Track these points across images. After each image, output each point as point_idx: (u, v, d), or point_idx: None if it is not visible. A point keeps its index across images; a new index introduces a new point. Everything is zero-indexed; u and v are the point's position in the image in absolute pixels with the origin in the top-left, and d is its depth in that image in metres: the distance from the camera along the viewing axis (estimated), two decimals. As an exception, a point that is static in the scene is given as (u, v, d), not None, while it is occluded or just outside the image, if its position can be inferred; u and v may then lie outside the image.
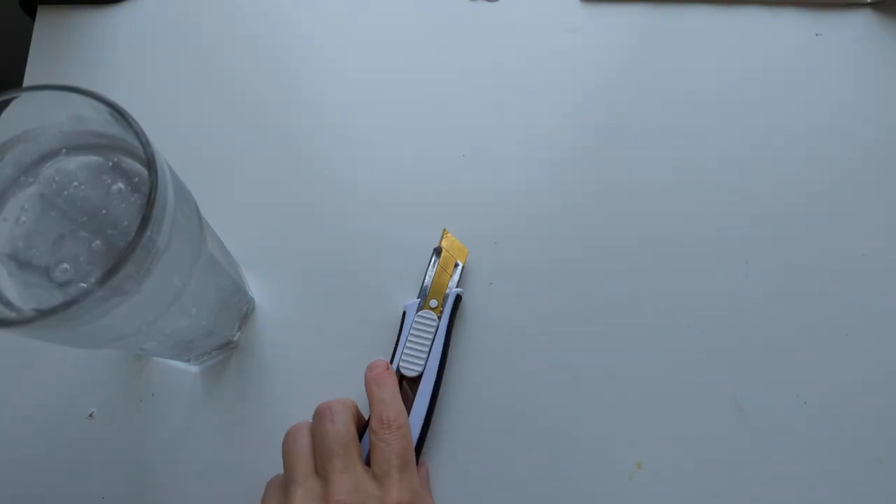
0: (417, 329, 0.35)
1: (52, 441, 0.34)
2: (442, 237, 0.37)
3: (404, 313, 0.36)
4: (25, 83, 0.41)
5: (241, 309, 0.36)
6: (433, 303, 0.35)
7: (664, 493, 0.33)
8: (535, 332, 0.36)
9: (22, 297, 0.23)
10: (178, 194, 0.23)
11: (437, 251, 0.37)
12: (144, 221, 0.20)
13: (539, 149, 0.41)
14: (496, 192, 0.40)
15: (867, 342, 0.36)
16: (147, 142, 0.21)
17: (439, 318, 0.35)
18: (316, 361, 0.36)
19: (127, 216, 0.24)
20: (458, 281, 0.36)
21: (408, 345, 0.34)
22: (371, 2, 0.46)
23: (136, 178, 0.24)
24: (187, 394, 0.35)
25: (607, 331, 0.36)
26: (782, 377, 0.36)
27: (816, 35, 0.44)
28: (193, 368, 0.35)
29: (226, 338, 0.34)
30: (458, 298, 0.36)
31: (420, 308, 0.35)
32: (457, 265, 0.37)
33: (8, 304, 0.23)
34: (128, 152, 0.24)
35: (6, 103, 0.23)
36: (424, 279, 0.36)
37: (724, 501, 0.33)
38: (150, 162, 0.21)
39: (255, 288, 0.37)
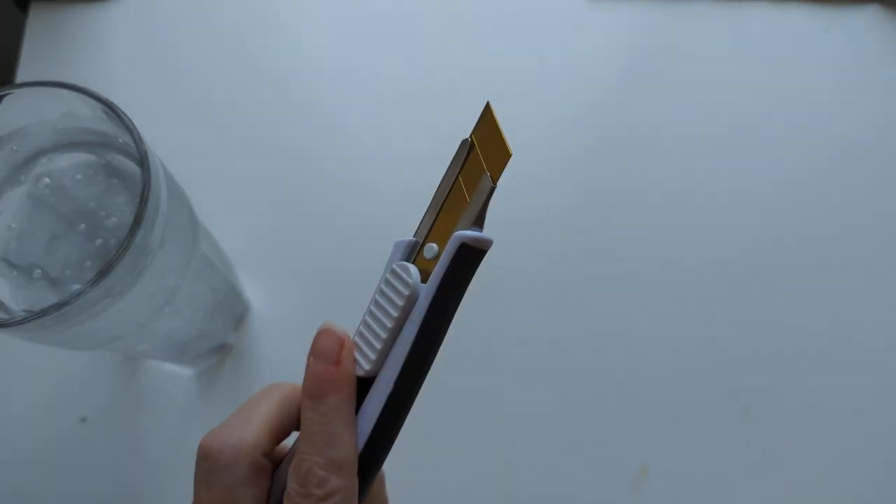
0: (385, 296, 0.19)
1: (44, 445, 0.33)
2: (480, 119, 0.20)
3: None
4: (18, 80, 0.41)
5: (235, 311, 0.35)
6: (430, 248, 0.20)
7: (670, 501, 0.33)
8: (539, 333, 0.36)
9: (14, 297, 0.23)
10: (171, 193, 0.23)
11: (468, 146, 0.20)
12: (137, 221, 0.20)
13: (543, 147, 0.41)
14: (496, 191, 0.40)
15: (877, 349, 0.36)
16: (140, 139, 0.21)
17: (425, 281, 0.18)
18: (312, 363, 0.36)
19: (119, 215, 0.23)
20: (480, 213, 0.19)
21: (367, 319, 0.20)
22: (371, 1, 0.45)
23: (129, 177, 0.24)
24: (182, 397, 0.35)
25: (613, 333, 0.36)
26: (790, 382, 0.35)
27: (824, 31, 0.44)
28: (188, 371, 0.35)
29: (220, 340, 0.34)
30: (470, 253, 0.18)
31: (408, 255, 0.20)
32: (484, 180, 0.19)
33: (0, 305, 0.23)
34: (121, 150, 0.24)
35: (-2, 100, 0.22)
36: (433, 199, 0.21)
37: (723, 505, 0.33)
38: (143, 160, 0.21)
39: (250, 290, 0.37)
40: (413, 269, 0.19)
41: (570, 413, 0.35)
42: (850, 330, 0.37)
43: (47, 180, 0.24)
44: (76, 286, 0.22)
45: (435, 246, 0.19)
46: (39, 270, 0.23)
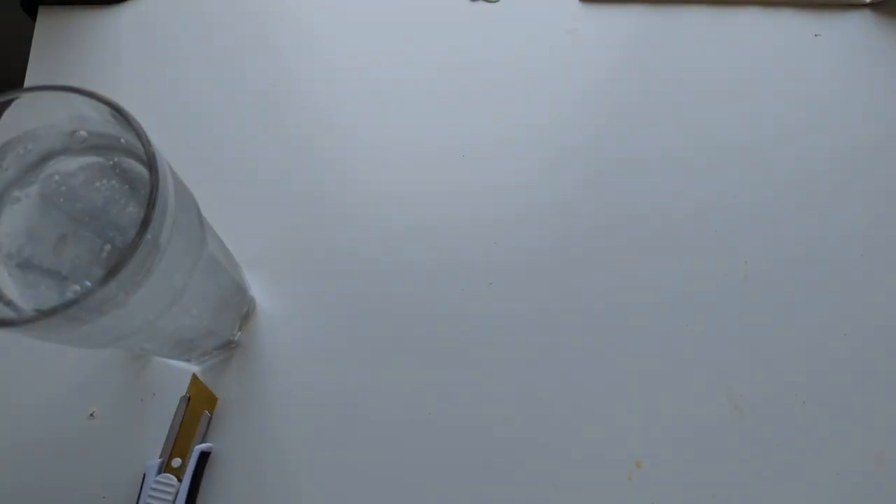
0: (155, 498, 0.31)
1: (53, 440, 0.34)
2: (190, 385, 0.34)
3: (144, 477, 0.32)
4: (26, 84, 0.41)
5: (241, 308, 0.36)
6: (176, 462, 0.32)
7: (663, 493, 0.33)
8: (535, 332, 0.36)
9: (23, 296, 0.23)
10: (178, 194, 0.23)
11: (186, 400, 0.33)
12: (145, 222, 0.20)
13: (538, 148, 0.41)
14: (495, 191, 0.40)
15: (867, 342, 0.36)
16: (148, 141, 0.21)
17: (180, 481, 0.31)
18: (316, 361, 0.36)
19: (128, 216, 0.24)
20: (206, 434, 0.33)
21: None
22: (372, 1, 0.46)
23: (138, 178, 0.24)
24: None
25: (606, 329, 0.37)
26: (781, 376, 0.36)
27: (816, 35, 0.44)
28: (194, 368, 0.35)
29: (226, 337, 0.34)
30: (205, 456, 0.32)
31: (161, 469, 0.32)
32: (205, 416, 0.33)
33: (9, 304, 0.23)
34: (129, 152, 0.24)
35: (7, 104, 0.23)
36: (168, 433, 0.33)
37: (722, 501, 0.33)
38: (150, 162, 0.21)
39: (256, 287, 0.37)
40: (171, 476, 0.31)
41: (565, 405, 0.35)
42: (843, 329, 0.37)
43: (56, 182, 0.24)
44: (85, 286, 0.23)
45: (179, 459, 0.32)
46: (48, 270, 0.23)
